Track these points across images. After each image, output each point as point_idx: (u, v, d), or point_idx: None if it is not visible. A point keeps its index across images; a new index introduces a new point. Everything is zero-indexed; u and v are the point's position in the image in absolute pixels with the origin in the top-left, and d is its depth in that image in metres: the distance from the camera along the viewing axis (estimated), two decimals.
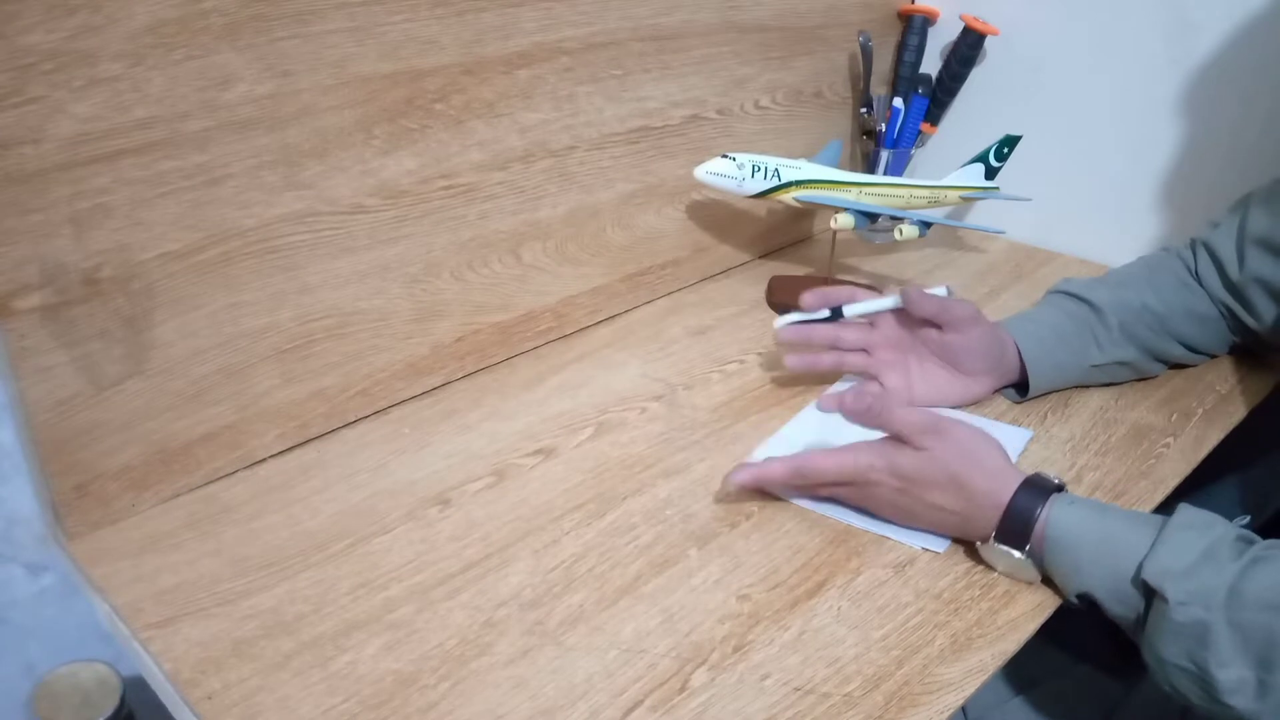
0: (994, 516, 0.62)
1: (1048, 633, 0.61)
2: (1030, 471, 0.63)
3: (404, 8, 0.72)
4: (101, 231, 0.61)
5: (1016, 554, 0.61)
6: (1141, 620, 0.57)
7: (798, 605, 0.61)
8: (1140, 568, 0.56)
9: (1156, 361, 0.84)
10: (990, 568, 0.64)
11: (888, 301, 0.80)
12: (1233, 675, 0.53)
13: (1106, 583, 0.58)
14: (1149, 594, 0.56)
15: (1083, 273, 1.08)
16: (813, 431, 0.77)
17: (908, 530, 0.67)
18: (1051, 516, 0.60)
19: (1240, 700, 0.53)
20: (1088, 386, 0.84)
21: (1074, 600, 0.62)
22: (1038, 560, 0.61)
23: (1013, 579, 0.63)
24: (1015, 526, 0.61)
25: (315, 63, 0.68)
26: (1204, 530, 0.57)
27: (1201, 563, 0.55)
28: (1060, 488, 0.63)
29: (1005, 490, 0.62)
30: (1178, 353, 0.84)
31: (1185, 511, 0.59)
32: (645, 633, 0.59)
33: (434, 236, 0.80)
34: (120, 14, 0.58)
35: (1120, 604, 0.58)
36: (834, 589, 0.63)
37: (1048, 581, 0.63)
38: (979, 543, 0.64)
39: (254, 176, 0.67)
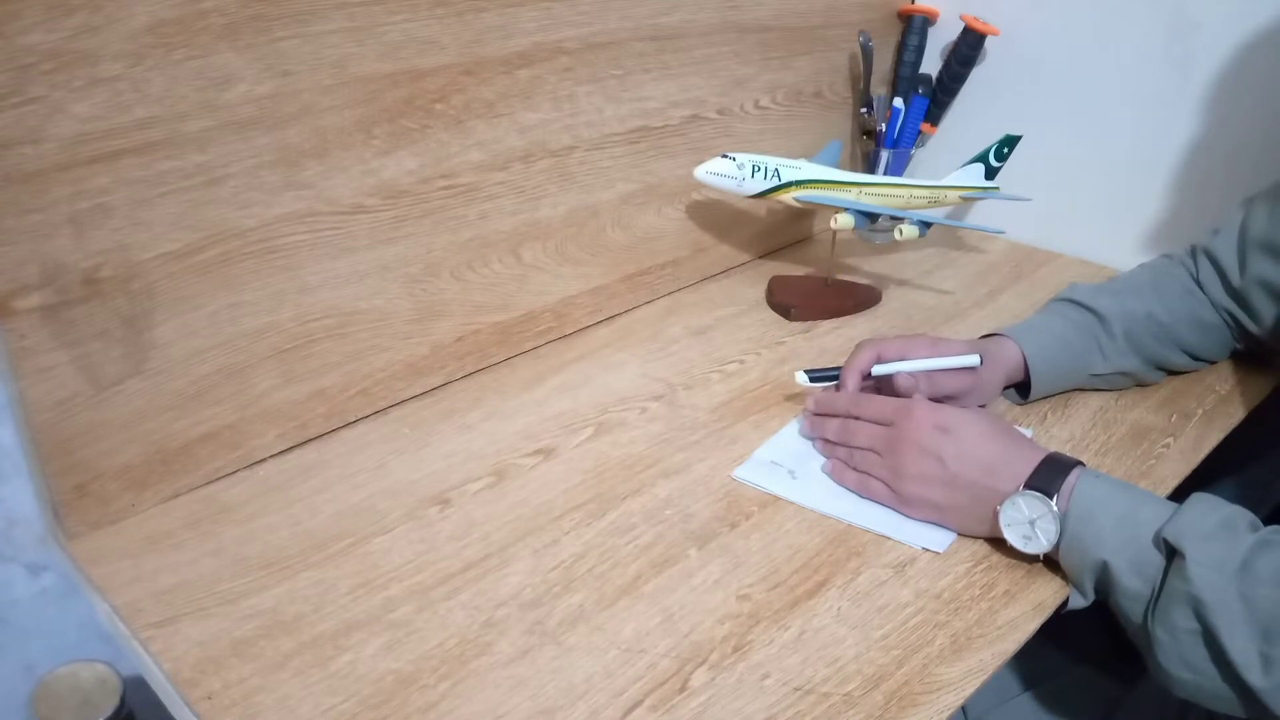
0: (1024, 470, 0.64)
1: (1048, 633, 0.61)
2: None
3: (404, 8, 0.72)
4: (101, 231, 0.61)
5: (1052, 504, 0.61)
6: (1156, 593, 0.58)
7: (798, 605, 0.61)
8: (1160, 530, 0.58)
9: (1158, 370, 0.85)
10: (999, 538, 0.64)
11: (959, 360, 0.76)
12: (1240, 646, 0.54)
13: (1127, 550, 0.59)
14: (1169, 555, 0.58)
15: (1083, 273, 1.08)
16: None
17: (908, 530, 0.67)
18: (1079, 485, 0.62)
19: (1252, 676, 0.54)
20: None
21: (1079, 595, 0.62)
22: (1059, 523, 0.62)
23: (1018, 553, 0.64)
24: (1045, 480, 0.63)
25: (315, 63, 0.68)
26: (1222, 506, 0.59)
27: (1219, 531, 0.57)
28: (1082, 463, 0.64)
29: (1038, 452, 0.65)
30: (1180, 361, 0.85)
31: (1203, 495, 0.61)
32: (645, 633, 0.59)
33: (434, 236, 0.80)
34: (120, 14, 0.58)
35: (1137, 574, 0.59)
36: (834, 589, 0.63)
37: (1047, 579, 0.63)
38: (999, 505, 0.63)
39: (254, 176, 0.67)
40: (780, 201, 0.93)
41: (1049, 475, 0.63)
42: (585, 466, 0.74)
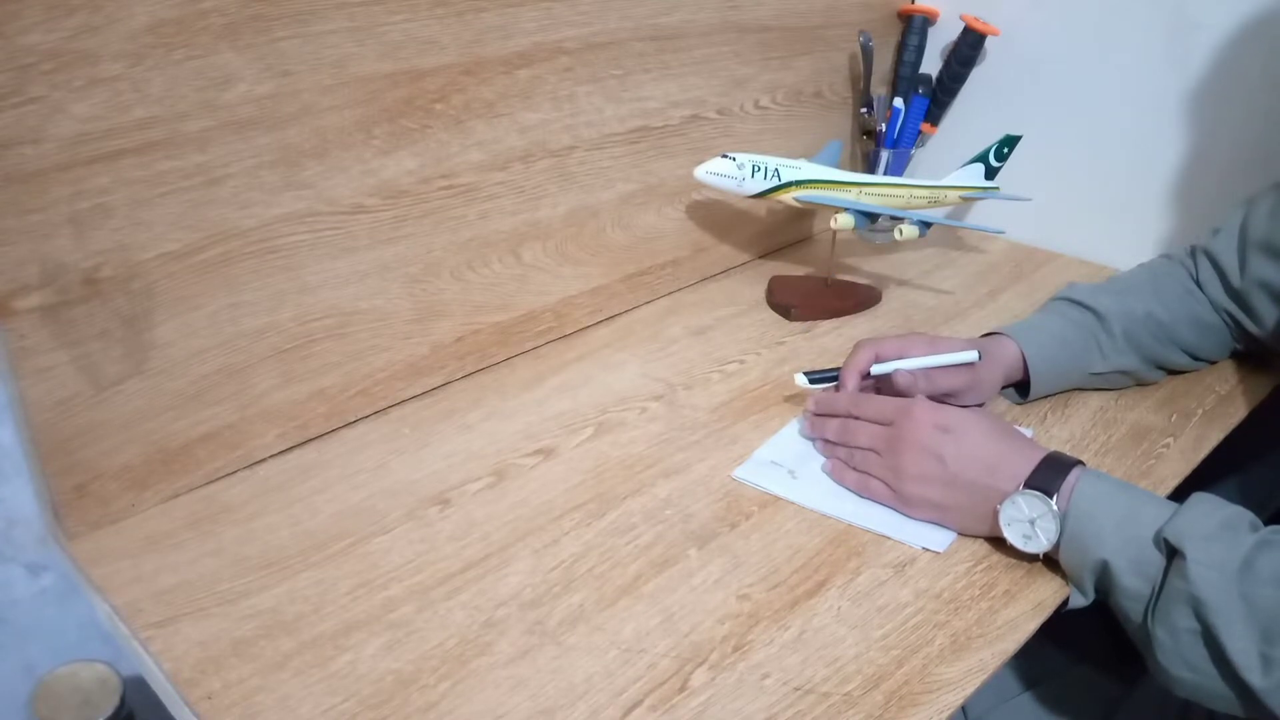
0: (1024, 469, 0.64)
1: (1048, 633, 0.61)
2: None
3: (404, 8, 0.72)
4: (101, 231, 0.61)
5: (1052, 503, 0.61)
6: (1156, 593, 0.58)
7: (798, 605, 0.61)
8: (1161, 530, 0.58)
9: (1157, 369, 0.85)
10: (999, 538, 0.64)
11: (957, 357, 0.75)
12: (1240, 646, 0.54)
13: (1127, 550, 0.59)
14: (1169, 555, 0.58)
15: (1083, 273, 1.09)
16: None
17: (908, 530, 0.67)
18: (1080, 485, 0.62)
19: (1252, 676, 0.54)
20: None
21: (1080, 594, 0.62)
22: (1059, 522, 0.62)
23: (1018, 553, 0.64)
24: (1045, 479, 0.63)
25: (315, 63, 0.68)
26: (1222, 506, 0.59)
27: (1220, 531, 0.57)
28: (1082, 463, 0.64)
29: (1038, 451, 0.66)
30: (1180, 360, 0.85)
31: (1203, 495, 0.61)
32: (645, 632, 0.59)
33: (434, 236, 0.80)
34: (120, 14, 0.58)
35: (1137, 574, 0.59)
36: (834, 589, 0.63)
37: (1047, 578, 0.63)
38: (999, 504, 0.63)
39: (254, 176, 0.67)
40: (780, 201, 0.93)
41: (1049, 474, 0.63)
42: (585, 466, 0.74)
